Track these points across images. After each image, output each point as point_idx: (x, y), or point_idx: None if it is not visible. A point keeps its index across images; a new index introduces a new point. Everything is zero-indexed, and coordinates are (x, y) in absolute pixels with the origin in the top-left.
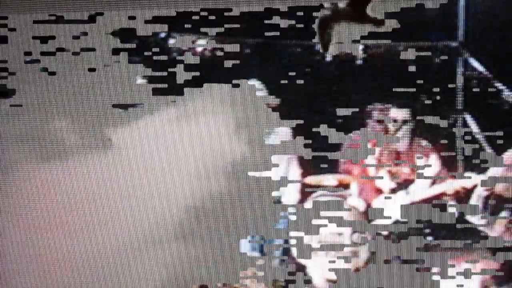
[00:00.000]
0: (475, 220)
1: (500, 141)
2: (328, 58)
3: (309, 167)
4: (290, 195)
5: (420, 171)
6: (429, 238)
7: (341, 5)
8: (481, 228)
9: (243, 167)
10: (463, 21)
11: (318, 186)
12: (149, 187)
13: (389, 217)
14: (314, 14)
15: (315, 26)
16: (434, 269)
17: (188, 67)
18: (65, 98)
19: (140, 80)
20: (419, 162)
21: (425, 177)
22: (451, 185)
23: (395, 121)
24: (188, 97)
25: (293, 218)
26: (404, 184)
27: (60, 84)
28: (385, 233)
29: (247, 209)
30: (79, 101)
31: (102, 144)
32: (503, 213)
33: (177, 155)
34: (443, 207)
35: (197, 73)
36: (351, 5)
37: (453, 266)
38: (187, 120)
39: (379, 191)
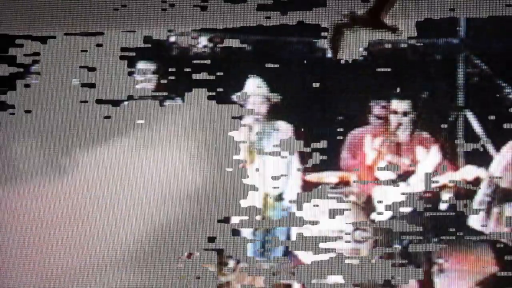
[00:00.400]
0: (477, 225)
1: (500, 137)
2: (329, 54)
3: (310, 164)
4: (291, 191)
5: (421, 162)
6: (433, 239)
7: (359, 12)
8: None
9: (207, 193)
10: (464, 18)
11: (319, 184)
12: (112, 212)
13: (389, 209)
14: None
15: (327, 33)
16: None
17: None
18: (25, 121)
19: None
20: (420, 154)
21: (426, 169)
22: (452, 178)
23: (395, 112)
24: (151, 123)
25: (294, 215)
26: (404, 176)
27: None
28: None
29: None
30: (41, 124)
31: (61, 169)
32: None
33: (139, 180)
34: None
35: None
36: (369, 12)
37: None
38: (151, 146)
39: (378, 183)
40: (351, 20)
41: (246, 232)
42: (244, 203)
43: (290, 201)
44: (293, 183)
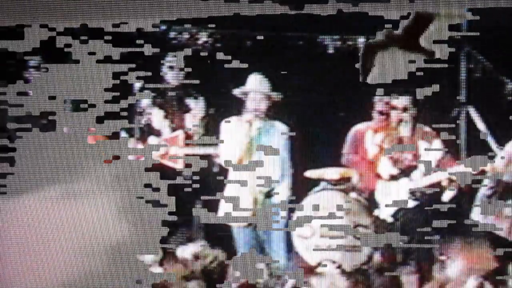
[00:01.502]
0: (480, 218)
1: (503, 133)
2: (331, 51)
3: (310, 160)
4: (286, 190)
5: (423, 156)
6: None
7: (396, 31)
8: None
9: (126, 248)
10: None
11: (319, 180)
12: (30, 264)
13: (392, 205)
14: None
15: (360, 52)
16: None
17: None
18: None
19: None
20: (422, 148)
21: (428, 163)
22: (454, 171)
23: (394, 108)
24: (74, 178)
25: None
26: (407, 171)
27: None
28: (389, 220)
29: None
30: None
31: None
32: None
33: (57, 234)
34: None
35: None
36: (406, 33)
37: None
38: (72, 200)
39: (380, 178)
40: (388, 38)
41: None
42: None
43: (287, 200)
44: (286, 182)
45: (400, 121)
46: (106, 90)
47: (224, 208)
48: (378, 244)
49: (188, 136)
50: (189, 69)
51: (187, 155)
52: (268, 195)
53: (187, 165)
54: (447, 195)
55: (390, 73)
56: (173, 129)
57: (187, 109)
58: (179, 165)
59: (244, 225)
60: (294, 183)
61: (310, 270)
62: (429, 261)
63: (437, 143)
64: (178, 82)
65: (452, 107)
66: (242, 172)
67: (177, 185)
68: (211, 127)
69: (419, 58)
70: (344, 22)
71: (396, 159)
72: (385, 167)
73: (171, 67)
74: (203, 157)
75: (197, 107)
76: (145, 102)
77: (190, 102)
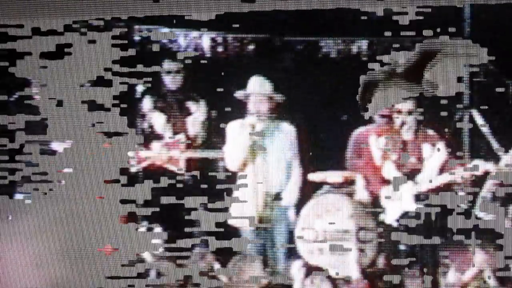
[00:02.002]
0: (484, 215)
1: (507, 136)
2: (333, 54)
3: (314, 164)
4: (291, 193)
5: (427, 159)
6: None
7: (401, 61)
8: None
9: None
10: (469, 14)
11: (323, 183)
12: None
13: (397, 210)
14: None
15: (359, 88)
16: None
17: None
18: None
19: None
20: (426, 151)
21: (433, 166)
22: (460, 174)
23: (399, 112)
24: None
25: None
26: (411, 174)
27: None
28: (395, 224)
29: None
30: None
31: None
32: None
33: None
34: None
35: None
36: (411, 65)
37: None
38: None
39: (385, 182)
40: (392, 72)
41: (246, 233)
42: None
43: (291, 202)
44: (294, 183)
45: (403, 124)
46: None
47: (232, 211)
48: (383, 247)
49: (190, 140)
50: (188, 73)
51: (189, 159)
52: (276, 197)
53: (189, 169)
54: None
55: (391, 100)
56: (175, 133)
57: (188, 113)
58: (180, 168)
59: (252, 228)
60: (300, 186)
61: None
62: (433, 265)
63: (441, 146)
64: (177, 86)
65: (455, 111)
66: (249, 175)
67: (180, 189)
68: (213, 130)
69: (422, 90)
70: (347, 26)
71: (400, 162)
72: (390, 171)
73: (169, 72)
74: (206, 160)
75: (198, 110)
76: (147, 106)
77: (191, 105)
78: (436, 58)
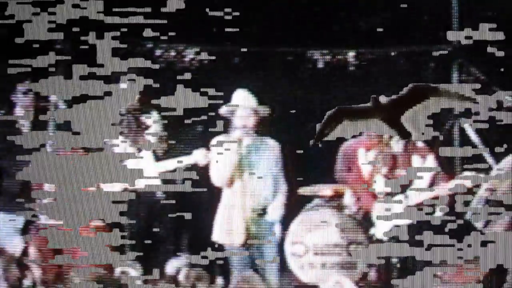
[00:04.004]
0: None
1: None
2: (320, 65)
3: (302, 178)
4: (277, 209)
5: (418, 173)
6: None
7: (384, 100)
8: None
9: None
10: (457, 23)
11: (312, 197)
12: None
13: (388, 224)
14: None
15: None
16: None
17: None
18: None
19: None
20: (416, 164)
21: (423, 179)
22: (450, 186)
23: None
24: None
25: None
26: (401, 188)
27: None
28: (385, 238)
29: None
30: None
31: None
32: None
33: None
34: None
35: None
36: (393, 104)
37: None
38: None
39: (375, 196)
40: (374, 105)
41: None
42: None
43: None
44: (279, 198)
45: (392, 136)
46: None
47: (217, 228)
48: (373, 261)
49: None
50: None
51: (162, 173)
52: (261, 213)
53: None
54: (441, 211)
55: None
56: (139, 150)
57: (145, 127)
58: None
59: (238, 245)
60: (287, 201)
61: None
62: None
63: (431, 159)
64: (131, 102)
65: (445, 120)
66: (234, 191)
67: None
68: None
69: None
70: (334, 36)
71: (390, 176)
72: (379, 185)
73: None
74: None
75: (153, 122)
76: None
77: (145, 119)
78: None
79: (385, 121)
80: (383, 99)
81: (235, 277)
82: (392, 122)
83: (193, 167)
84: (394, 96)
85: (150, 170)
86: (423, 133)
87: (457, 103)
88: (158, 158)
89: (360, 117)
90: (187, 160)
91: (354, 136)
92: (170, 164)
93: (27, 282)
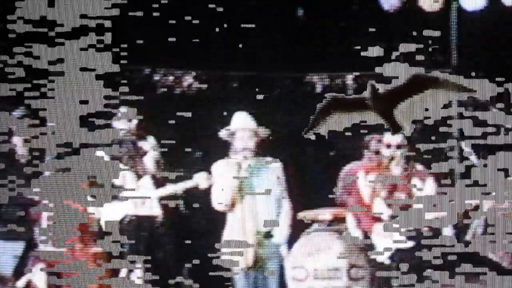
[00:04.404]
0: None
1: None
2: (319, 89)
3: (302, 201)
4: (282, 230)
5: (417, 195)
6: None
7: (381, 90)
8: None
9: None
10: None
11: (312, 221)
12: None
13: (389, 248)
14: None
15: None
16: None
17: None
18: None
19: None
20: (416, 188)
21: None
22: (450, 210)
23: (388, 146)
24: None
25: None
26: (402, 210)
27: None
28: (387, 262)
29: None
30: None
31: None
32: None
33: None
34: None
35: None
36: (391, 93)
37: None
38: None
39: (375, 220)
40: (371, 92)
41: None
42: (233, 242)
43: (282, 239)
44: (284, 219)
45: (392, 159)
46: None
47: (222, 252)
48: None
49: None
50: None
51: (163, 198)
52: (267, 235)
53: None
54: (447, 232)
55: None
56: (138, 177)
57: (143, 152)
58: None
59: (244, 268)
60: (288, 224)
61: None
62: None
63: (430, 181)
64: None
65: (444, 142)
66: (238, 214)
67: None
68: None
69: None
70: (333, 61)
71: (390, 199)
72: (380, 208)
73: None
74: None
75: (150, 147)
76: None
77: (142, 144)
78: (417, 94)
79: (378, 113)
80: (381, 87)
81: None
82: (385, 114)
83: (194, 191)
84: (392, 85)
85: (150, 196)
86: (415, 129)
87: (455, 94)
88: (158, 184)
89: (353, 109)
90: (187, 184)
91: (354, 160)
92: (170, 189)
93: None
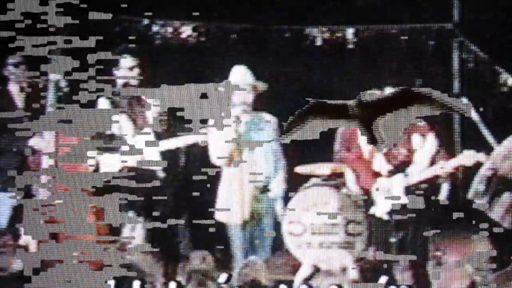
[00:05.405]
0: (478, 202)
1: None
2: (319, 42)
3: (299, 156)
4: (277, 185)
5: (418, 151)
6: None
7: (367, 100)
8: (482, 209)
9: None
10: (458, 2)
11: (310, 176)
12: None
13: (388, 202)
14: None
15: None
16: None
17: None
18: None
19: None
20: (416, 142)
21: (423, 157)
22: (450, 164)
23: None
24: None
25: (283, 209)
26: (401, 166)
27: None
28: (385, 217)
29: None
30: None
31: None
32: (506, 195)
33: None
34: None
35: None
36: (375, 106)
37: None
38: None
39: (376, 175)
40: (358, 104)
41: (233, 227)
42: (229, 196)
43: (278, 194)
44: (280, 175)
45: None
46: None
47: (218, 206)
48: (372, 240)
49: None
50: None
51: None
52: (263, 190)
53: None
54: (444, 190)
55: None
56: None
57: (147, 106)
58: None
59: (240, 223)
60: (288, 176)
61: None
62: (424, 257)
63: (431, 137)
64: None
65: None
66: (234, 169)
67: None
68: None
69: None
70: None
71: (390, 154)
72: (380, 164)
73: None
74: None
75: (155, 102)
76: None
77: (147, 98)
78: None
79: (359, 122)
80: (369, 96)
81: (238, 263)
82: (366, 125)
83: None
84: (382, 95)
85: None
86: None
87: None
88: (158, 137)
89: (333, 115)
90: (189, 139)
91: None
92: (171, 143)
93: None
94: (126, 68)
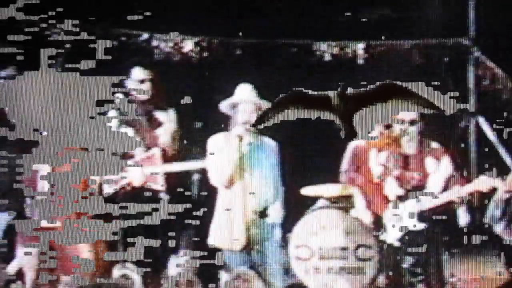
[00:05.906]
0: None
1: None
2: (327, 58)
3: (305, 177)
4: (276, 211)
5: (431, 175)
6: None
7: (350, 91)
8: (499, 233)
9: None
10: (474, 16)
11: (317, 198)
12: None
13: (399, 228)
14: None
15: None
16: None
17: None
18: None
19: None
20: (430, 166)
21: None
22: (466, 190)
23: (402, 122)
24: None
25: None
26: (414, 191)
27: None
28: (396, 244)
29: None
30: None
31: None
32: None
33: None
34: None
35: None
36: (356, 99)
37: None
38: None
39: (386, 200)
40: (341, 94)
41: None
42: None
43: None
44: (279, 201)
45: (404, 134)
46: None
47: (215, 231)
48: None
49: (165, 153)
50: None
51: (167, 173)
52: (262, 215)
53: (170, 185)
54: (462, 215)
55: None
56: (147, 148)
57: (158, 124)
58: (159, 185)
59: (238, 249)
60: (288, 202)
61: None
62: (439, 283)
63: (446, 161)
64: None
65: (460, 118)
66: (234, 191)
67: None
68: (188, 140)
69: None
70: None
71: (403, 178)
72: (391, 188)
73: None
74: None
75: (168, 120)
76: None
77: (159, 115)
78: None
79: (338, 114)
80: (350, 90)
81: (231, 273)
82: (345, 117)
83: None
84: (364, 89)
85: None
86: (369, 132)
87: (419, 108)
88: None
89: (313, 106)
90: (196, 165)
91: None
92: (178, 167)
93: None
94: (137, 80)
